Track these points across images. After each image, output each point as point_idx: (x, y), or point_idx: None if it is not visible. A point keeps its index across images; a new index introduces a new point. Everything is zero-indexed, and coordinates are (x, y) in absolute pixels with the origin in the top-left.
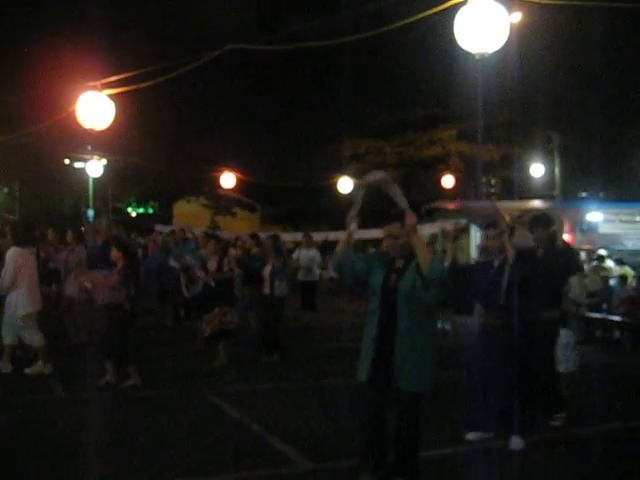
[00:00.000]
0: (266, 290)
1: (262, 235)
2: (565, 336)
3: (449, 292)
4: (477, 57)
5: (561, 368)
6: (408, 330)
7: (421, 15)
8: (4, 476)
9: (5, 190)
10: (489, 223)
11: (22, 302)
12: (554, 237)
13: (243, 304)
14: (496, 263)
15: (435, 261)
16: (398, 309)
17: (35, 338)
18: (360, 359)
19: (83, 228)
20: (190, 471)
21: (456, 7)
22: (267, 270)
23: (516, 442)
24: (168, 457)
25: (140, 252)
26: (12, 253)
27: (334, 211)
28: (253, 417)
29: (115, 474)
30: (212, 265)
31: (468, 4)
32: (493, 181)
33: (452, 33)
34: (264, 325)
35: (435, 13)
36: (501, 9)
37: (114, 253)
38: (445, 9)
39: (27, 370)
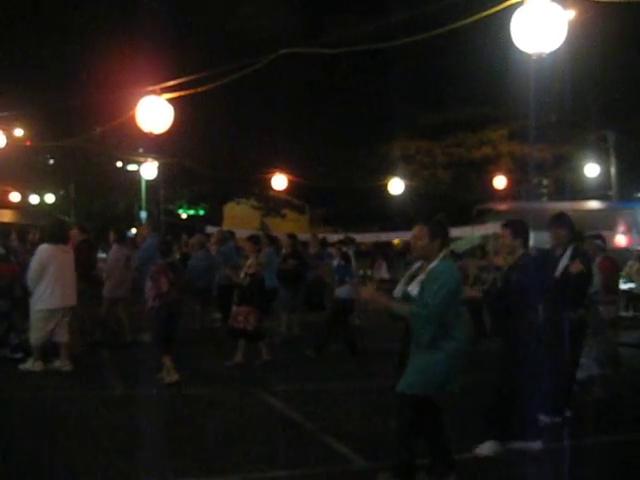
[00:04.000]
0: (335, 292)
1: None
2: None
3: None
4: (534, 57)
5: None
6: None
7: (477, 17)
8: (57, 468)
9: (61, 192)
10: (507, 222)
11: (42, 297)
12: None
13: (281, 305)
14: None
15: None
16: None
17: (35, 335)
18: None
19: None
20: (245, 467)
21: (510, 7)
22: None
23: (534, 445)
24: (221, 453)
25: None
26: (40, 249)
27: (384, 212)
28: (306, 416)
29: (166, 468)
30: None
31: (525, 4)
32: (545, 182)
33: (503, 33)
34: (325, 324)
35: (489, 14)
36: (558, 9)
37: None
38: (499, 10)
39: (20, 366)
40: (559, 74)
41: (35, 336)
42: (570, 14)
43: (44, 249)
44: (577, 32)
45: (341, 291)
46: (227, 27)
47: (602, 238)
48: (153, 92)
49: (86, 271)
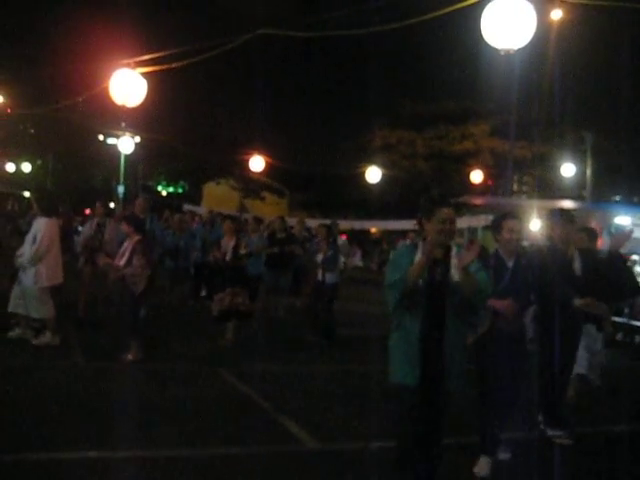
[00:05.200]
0: (319, 277)
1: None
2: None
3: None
4: (502, 53)
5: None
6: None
7: (451, 9)
8: (21, 437)
9: (38, 162)
10: (507, 213)
11: (47, 274)
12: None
13: (266, 287)
14: (510, 264)
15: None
16: (447, 303)
17: (45, 310)
18: (398, 360)
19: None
20: (197, 443)
21: (486, 2)
22: (319, 257)
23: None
24: (177, 428)
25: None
26: (43, 224)
27: (361, 200)
28: (265, 396)
29: (123, 441)
30: (228, 244)
31: (495, 0)
32: (525, 179)
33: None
34: (310, 309)
35: (469, 5)
36: (528, 6)
37: (124, 228)
38: (476, 3)
39: (34, 341)
40: (545, 73)
41: (49, 312)
42: (557, 14)
43: (52, 224)
44: (564, 33)
45: (330, 277)
46: (210, 4)
47: None
48: (127, 65)
49: (70, 243)
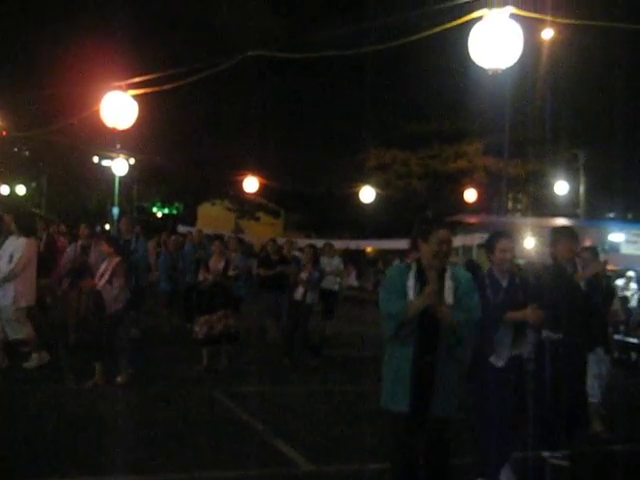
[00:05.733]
0: (297, 296)
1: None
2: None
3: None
4: (490, 73)
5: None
6: (449, 350)
7: (439, 29)
8: (16, 463)
9: (33, 184)
10: (500, 233)
11: (24, 294)
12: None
13: (263, 309)
14: (504, 284)
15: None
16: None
17: (24, 330)
18: (390, 386)
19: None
20: (190, 466)
21: (475, 22)
22: (303, 277)
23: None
24: (170, 451)
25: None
26: (22, 244)
27: (356, 220)
28: (258, 418)
29: (117, 466)
30: (216, 264)
31: (482, 20)
32: (519, 196)
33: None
34: (290, 330)
35: (460, 25)
36: (515, 26)
37: (104, 249)
38: (465, 23)
39: (25, 364)
40: (537, 91)
41: (28, 332)
42: (548, 33)
43: (31, 244)
44: (555, 52)
45: (311, 296)
46: (202, 27)
47: None
48: (119, 87)
49: (53, 265)
